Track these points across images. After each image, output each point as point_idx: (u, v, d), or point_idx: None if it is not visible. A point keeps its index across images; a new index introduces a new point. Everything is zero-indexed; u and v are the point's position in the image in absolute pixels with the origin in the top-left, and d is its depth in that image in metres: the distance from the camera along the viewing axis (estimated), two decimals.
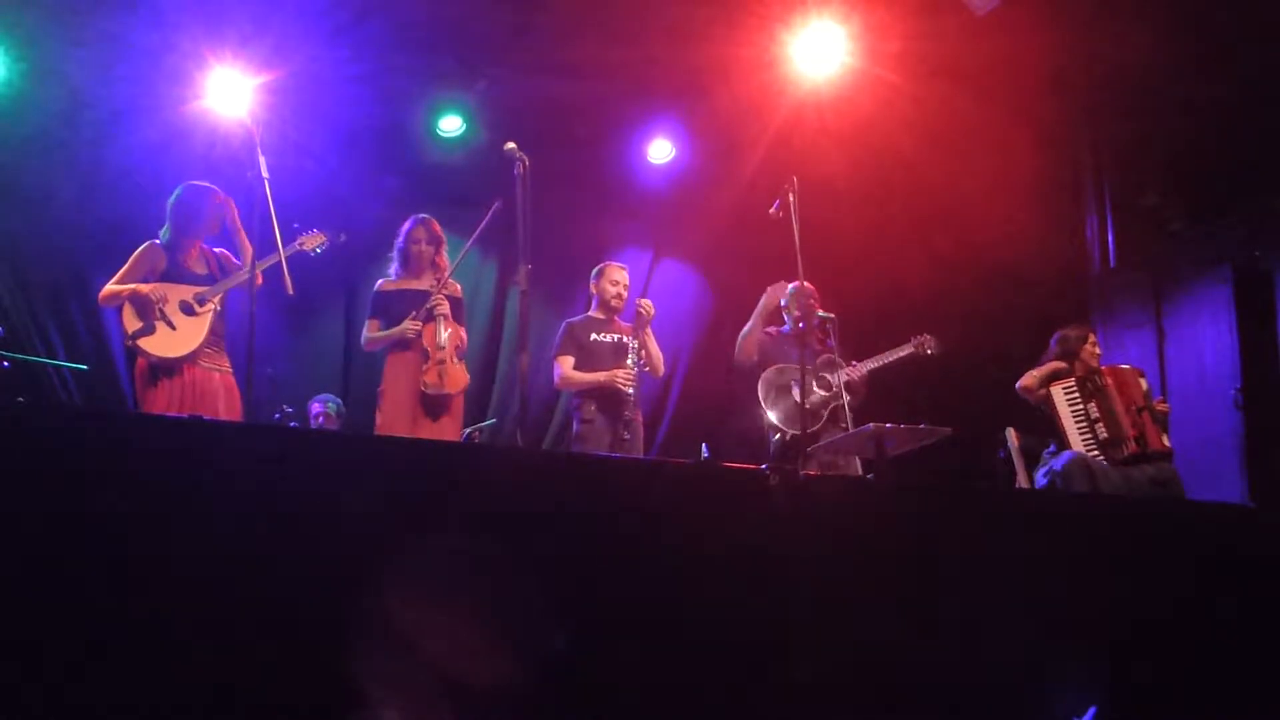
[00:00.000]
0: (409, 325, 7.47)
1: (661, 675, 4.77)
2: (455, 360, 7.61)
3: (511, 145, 6.83)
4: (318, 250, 7.38)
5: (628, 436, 7.81)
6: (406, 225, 7.81)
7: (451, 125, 10.24)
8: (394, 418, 7.43)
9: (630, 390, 7.83)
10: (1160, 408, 8.08)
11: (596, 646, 4.69)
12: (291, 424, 8.94)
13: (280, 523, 4.44)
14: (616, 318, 8.24)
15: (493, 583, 4.49)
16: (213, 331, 7.03)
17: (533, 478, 5.03)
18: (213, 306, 7.04)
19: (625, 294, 8.24)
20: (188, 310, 6.97)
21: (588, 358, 8.04)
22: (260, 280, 6.82)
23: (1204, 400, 9.41)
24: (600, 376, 7.89)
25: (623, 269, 8.36)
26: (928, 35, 9.17)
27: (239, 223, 7.26)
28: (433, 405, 7.49)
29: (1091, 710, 5.23)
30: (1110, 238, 10.77)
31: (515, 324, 10.40)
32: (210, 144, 8.52)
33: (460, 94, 10.13)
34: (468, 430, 9.50)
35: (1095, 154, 10.90)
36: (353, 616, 4.30)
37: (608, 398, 7.88)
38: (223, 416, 6.89)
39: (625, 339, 8.06)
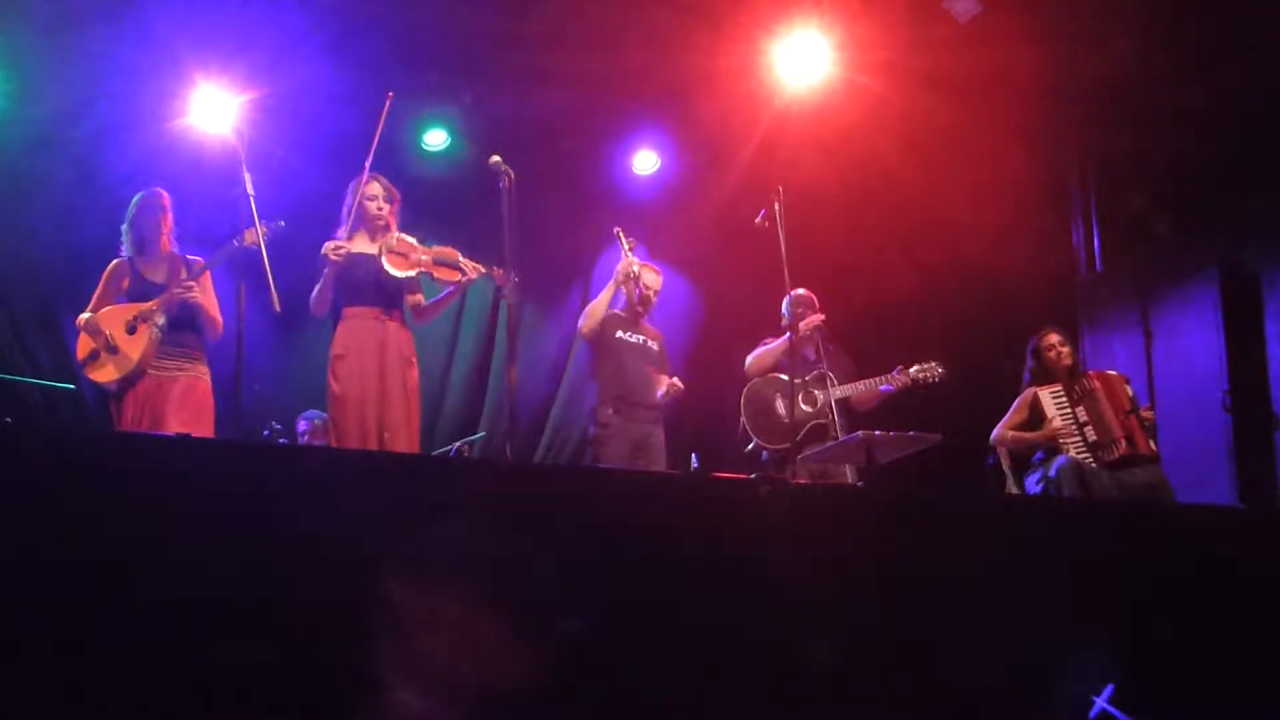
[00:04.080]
0: (331, 245, 6.97)
1: (653, 678, 4.77)
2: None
3: (497, 159, 6.81)
4: (260, 243, 6.90)
5: (643, 465, 7.69)
6: (358, 179, 7.31)
7: (436, 139, 10.26)
8: (357, 384, 6.91)
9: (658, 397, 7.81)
10: (1146, 416, 8.08)
11: (587, 652, 4.69)
12: (280, 440, 8.92)
13: (280, 531, 4.45)
14: (643, 320, 8.13)
15: (483, 589, 4.50)
16: (165, 342, 6.88)
17: (520, 491, 5.03)
18: (154, 323, 6.86)
19: (654, 299, 8.13)
20: (131, 330, 6.87)
21: (608, 354, 7.92)
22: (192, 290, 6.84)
23: (1192, 403, 9.42)
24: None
25: (657, 272, 8.21)
26: (912, 44, 9.20)
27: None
28: (396, 367, 7.02)
29: (1109, 687, 5.24)
30: (1096, 243, 10.79)
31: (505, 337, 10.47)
32: (196, 161, 8.50)
33: (445, 108, 10.14)
34: (456, 444, 9.49)
35: (1080, 160, 10.92)
36: (363, 613, 4.33)
37: (625, 401, 7.78)
38: (171, 415, 6.74)
39: (650, 342, 7.99)
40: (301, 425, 9.37)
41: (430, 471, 5.64)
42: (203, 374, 7.04)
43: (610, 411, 7.76)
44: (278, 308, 6.70)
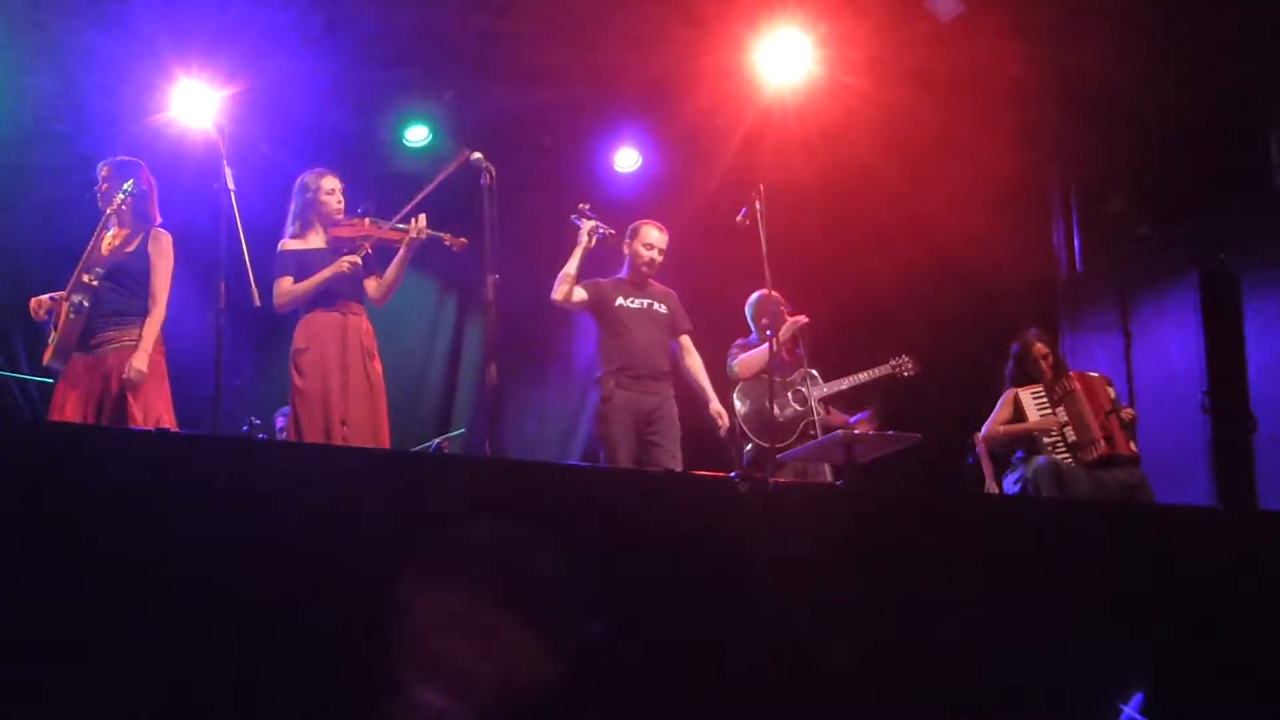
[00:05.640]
0: (346, 260, 6.95)
1: (630, 676, 4.77)
2: None
3: (478, 155, 6.80)
4: (123, 204, 6.77)
5: (655, 438, 7.46)
6: (310, 175, 7.28)
7: (418, 135, 10.25)
8: (318, 377, 6.86)
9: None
10: (1126, 414, 8.11)
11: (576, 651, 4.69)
12: (260, 435, 8.90)
13: (265, 529, 4.44)
14: (651, 281, 7.82)
15: (464, 586, 4.50)
16: (96, 315, 6.65)
17: (494, 485, 5.03)
18: (70, 301, 6.63)
19: (659, 259, 7.77)
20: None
21: (609, 323, 7.62)
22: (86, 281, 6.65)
23: (1171, 404, 9.45)
24: None
25: (660, 229, 7.83)
26: (893, 43, 9.21)
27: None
28: (357, 359, 6.97)
29: (1138, 697, 5.25)
30: (1076, 243, 10.82)
31: (478, 336, 10.48)
32: (176, 155, 8.47)
33: (427, 104, 10.13)
34: (437, 440, 9.49)
35: (1061, 160, 10.94)
36: (356, 613, 4.36)
37: (628, 373, 7.50)
38: (110, 394, 6.55)
39: (657, 305, 7.72)
40: (280, 421, 9.35)
41: (416, 467, 5.63)
42: (133, 338, 6.71)
43: (612, 384, 7.46)
44: (257, 302, 6.68)
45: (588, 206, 7.76)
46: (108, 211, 6.89)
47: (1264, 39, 9.05)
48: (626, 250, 7.85)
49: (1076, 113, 10.23)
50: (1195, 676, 5.57)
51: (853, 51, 9.25)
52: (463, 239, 7.14)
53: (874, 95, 9.47)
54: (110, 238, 6.95)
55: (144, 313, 6.80)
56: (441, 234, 7.16)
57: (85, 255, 6.84)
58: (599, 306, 7.67)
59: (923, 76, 9.38)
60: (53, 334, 6.75)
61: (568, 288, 7.59)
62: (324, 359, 6.92)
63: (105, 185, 6.97)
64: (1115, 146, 10.15)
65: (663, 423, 7.51)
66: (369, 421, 6.96)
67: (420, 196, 7.15)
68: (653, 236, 7.78)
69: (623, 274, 7.84)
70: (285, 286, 7.06)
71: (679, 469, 7.37)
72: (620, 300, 7.66)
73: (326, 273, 6.98)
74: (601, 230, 7.63)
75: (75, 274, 6.72)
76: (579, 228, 7.66)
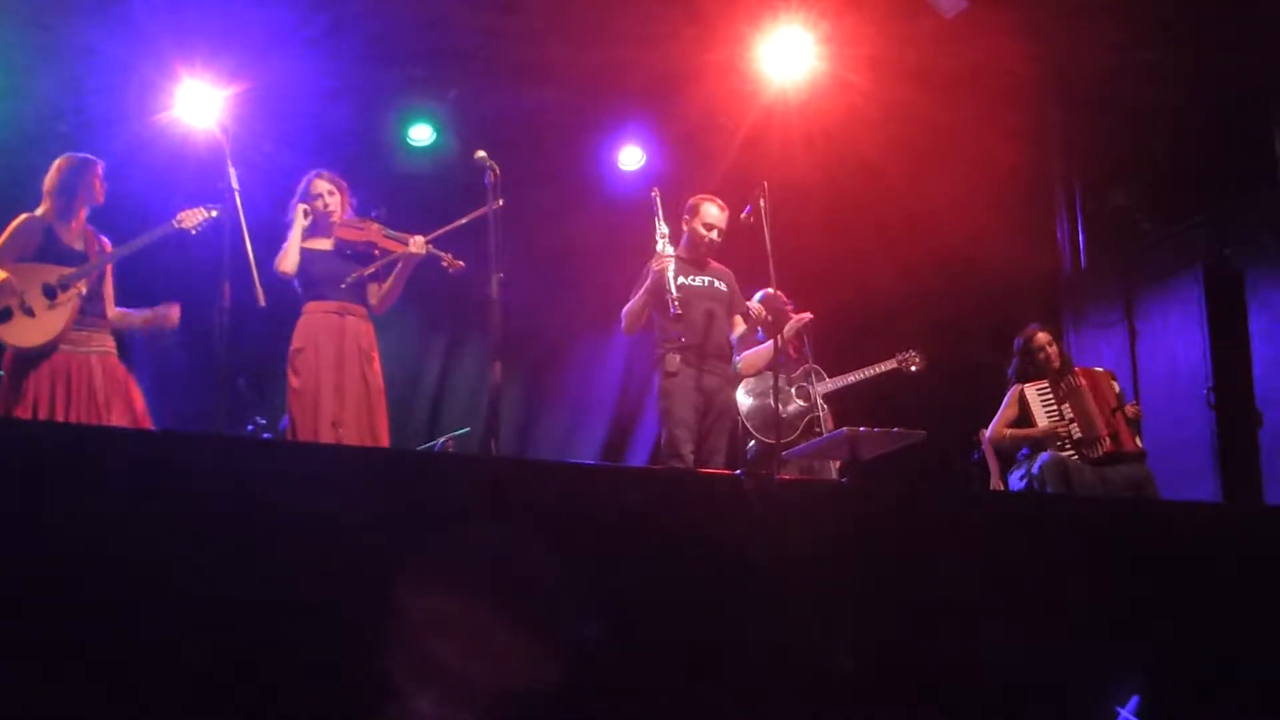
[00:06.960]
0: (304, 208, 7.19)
1: (633, 676, 4.77)
2: None
3: (482, 154, 6.79)
4: (197, 228, 6.85)
5: (709, 422, 7.30)
6: (305, 182, 7.38)
7: (422, 134, 10.25)
8: (313, 378, 6.95)
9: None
10: (1131, 411, 8.10)
11: (577, 650, 4.69)
12: (264, 435, 8.90)
13: (281, 530, 4.44)
14: (710, 260, 7.65)
15: (466, 586, 4.49)
16: (83, 313, 6.71)
17: (502, 485, 5.02)
18: (77, 291, 6.68)
19: (719, 239, 7.58)
20: (50, 293, 6.65)
21: (670, 303, 7.26)
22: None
23: (1176, 399, 9.44)
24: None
25: (720, 207, 7.60)
26: (897, 40, 9.21)
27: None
28: (354, 360, 7.04)
29: (1134, 700, 5.24)
30: (1081, 239, 10.81)
31: (476, 335, 10.47)
32: (180, 154, 8.48)
33: (430, 103, 10.13)
34: (442, 439, 9.49)
35: (1064, 156, 10.93)
36: (357, 615, 4.35)
37: (692, 350, 7.33)
38: (100, 398, 6.62)
39: (717, 282, 7.57)
40: (285, 421, 9.34)
41: (417, 466, 5.63)
42: (111, 350, 6.84)
43: (678, 360, 7.29)
44: (262, 302, 6.67)
45: (661, 220, 7.45)
46: (82, 208, 6.99)
47: (1269, 34, 9.03)
48: (685, 228, 7.67)
49: (1080, 109, 10.23)
50: (1200, 675, 5.56)
51: (856, 49, 9.24)
52: (460, 262, 7.15)
53: (877, 92, 9.46)
54: (73, 231, 6.95)
55: (105, 314, 6.92)
56: (441, 254, 7.17)
57: (55, 239, 6.85)
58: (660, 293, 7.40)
59: (926, 74, 9.38)
60: (9, 304, 6.62)
61: (635, 321, 7.51)
62: (318, 360, 6.98)
63: (85, 180, 7.00)
64: (1119, 142, 10.15)
65: (719, 408, 7.41)
66: (366, 423, 6.99)
67: (451, 227, 7.17)
68: (713, 215, 7.58)
69: (681, 251, 7.64)
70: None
71: (722, 459, 7.36)
72: (680, 279, 7.38)
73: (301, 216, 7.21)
74: (670, 297, 7.22)
75: (91, 266, 6.79)
76: (656, 214, 7.45)
